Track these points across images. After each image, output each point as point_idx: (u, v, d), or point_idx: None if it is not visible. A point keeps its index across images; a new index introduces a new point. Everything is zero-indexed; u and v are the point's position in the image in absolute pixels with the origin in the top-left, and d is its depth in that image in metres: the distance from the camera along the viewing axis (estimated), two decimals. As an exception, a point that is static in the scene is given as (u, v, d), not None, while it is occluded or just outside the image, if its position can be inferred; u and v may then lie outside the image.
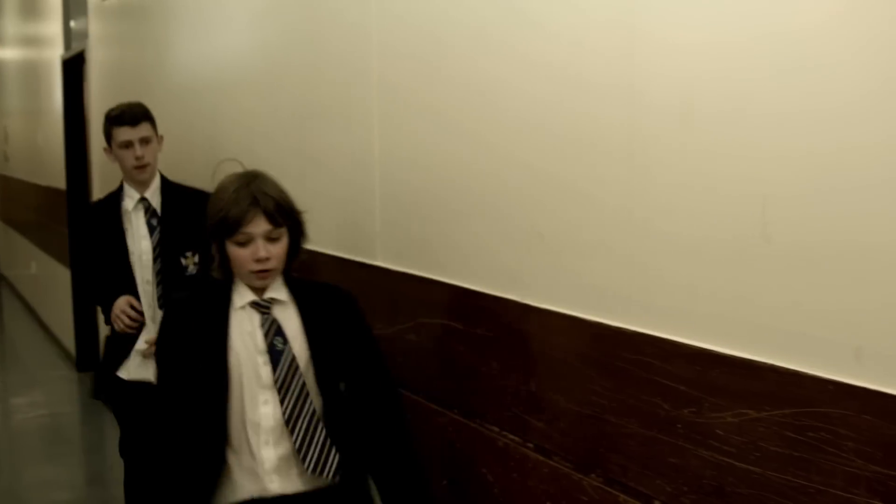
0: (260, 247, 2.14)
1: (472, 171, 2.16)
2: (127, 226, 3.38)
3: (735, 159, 1.50)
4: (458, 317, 2.22)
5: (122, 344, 3.37)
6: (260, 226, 2.14)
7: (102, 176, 6.16)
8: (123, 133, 3.32)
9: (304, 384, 2.19)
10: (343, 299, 2.32)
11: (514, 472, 2.06)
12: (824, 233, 1.37)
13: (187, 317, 2.27)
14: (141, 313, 3.30)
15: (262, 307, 2.23)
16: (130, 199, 3.38)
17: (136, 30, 5.12)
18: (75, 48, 6.85)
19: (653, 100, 1.65)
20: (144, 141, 3.33)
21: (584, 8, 1.78)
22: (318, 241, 2.82)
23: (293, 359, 2.19)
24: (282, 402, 2.17)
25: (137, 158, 3.32)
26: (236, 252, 2.16)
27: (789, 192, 1.42)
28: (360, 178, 2.65)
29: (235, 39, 3.63)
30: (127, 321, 3.26)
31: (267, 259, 2.15)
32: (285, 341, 2.21)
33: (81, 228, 3.62)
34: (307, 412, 2.19)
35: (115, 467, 5.34)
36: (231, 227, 2.14)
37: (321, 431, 2.19)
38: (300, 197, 3.02)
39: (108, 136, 3.39)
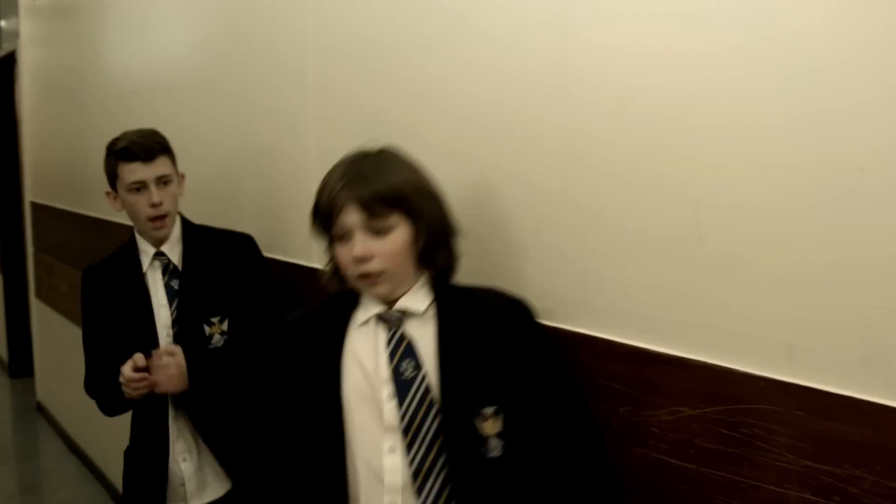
0: (356, 242, 1.63)
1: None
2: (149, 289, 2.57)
3: (669, 160, 1.51)
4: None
5: (152, 462, 2.51)
6: (352, 215, 1.62)
7: (35, 176, 6.06)
8: (134, 171, 2.46)
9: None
10: (507, 310, 1.67)
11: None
12: (756, 232, 1.38)
13: (295, 345, 1.75)
14: (146, 368, 2.35)
15: (391, 321, 1.68)
16: (145, 256, 2.56)
17: (70, 29, 5.03)
18: (6, 48, 6.73)
19: (586, 100, 1.66)
20: (162, 181, 2.49)
21: (518, 11, 1.79)
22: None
23: (426, 390, 1.62)
24: (408, 450, 1.60)
25: (154, 206, 2.47)
26: (337, 251, 1.67)
27: (722, 193, 1.43)
28: (296, 179, 2.63)
29: (172, 38, 3.58)
30: (134, 385, 2.33)
31: (365, 258, 1.63)
32: (418, 366, 1.63)
33: (83, 307, 2.63)
34: (444, 469, 1.61)
35: (49, 474, 5.27)
36: (322, 216, 1.67)
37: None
38: (236, 197, 3.01)
39: (112, 176, 2.53)
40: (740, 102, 1.39)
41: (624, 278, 1.61)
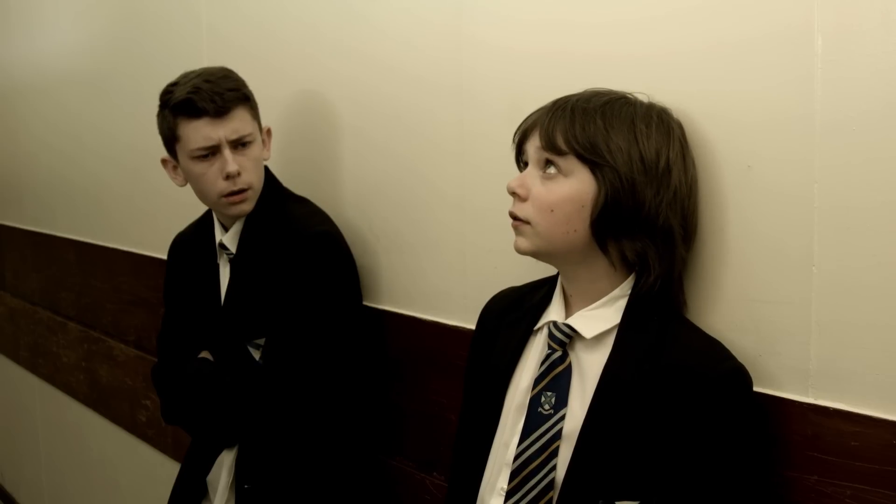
0: (525, 174, 1.29)
1: (302, 164, 2.13)
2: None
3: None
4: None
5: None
6: (533, 143, 1.28)
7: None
8: (199, 132, 1.81)
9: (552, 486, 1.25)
10: (699, 377, 1.18)
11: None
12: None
13: (494, 328, 1.44)
14: None
15: (554, 338, 1.30)
16: (216, 238, 1.98)
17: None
18: None
19: (481, 100, 1.67)
20: (241, 142, 1.84)
21: (414, 11, 1.80)
22: (154, 243, 2.74)
23: (555, 438, 1.26)
24: (507, 497, 1.27)
25: (230, 178, 1.83)
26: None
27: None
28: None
29: (59, 37, 3.46)
30: None
31: (518, 196, 1.28)
32: (560, 405, 1.26)
33: (164, 284, 2.14)
34: None
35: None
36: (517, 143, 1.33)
37: None
38: (135, 196, 2.93)
39: (170, 139, 1.87)
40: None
41: (522, 278, 1.61)
